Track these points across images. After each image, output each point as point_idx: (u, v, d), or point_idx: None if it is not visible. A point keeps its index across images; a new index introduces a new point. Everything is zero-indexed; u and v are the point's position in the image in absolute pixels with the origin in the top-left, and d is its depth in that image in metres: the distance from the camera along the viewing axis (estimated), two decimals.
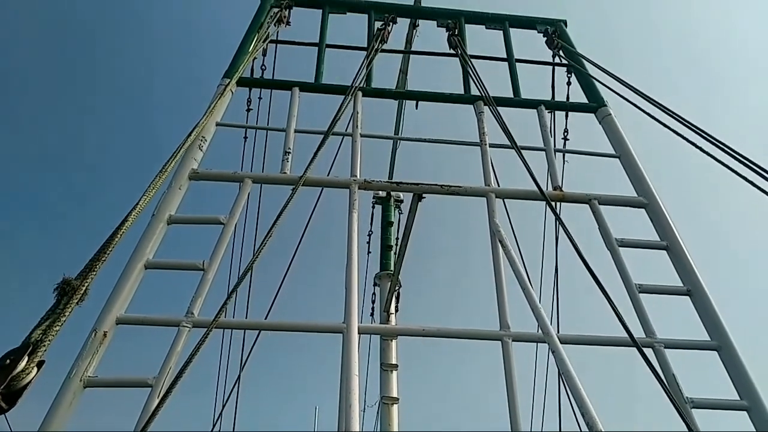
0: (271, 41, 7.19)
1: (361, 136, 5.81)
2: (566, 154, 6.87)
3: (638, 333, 4.37)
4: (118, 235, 3.30)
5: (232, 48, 6.69)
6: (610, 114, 6.44)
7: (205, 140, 5.42)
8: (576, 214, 5.74)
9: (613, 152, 6.10)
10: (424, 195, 5.92)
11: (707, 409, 4.23)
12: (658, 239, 5.29)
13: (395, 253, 10.72)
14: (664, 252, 5.21)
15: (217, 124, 5.73)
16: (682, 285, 4.97)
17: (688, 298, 4.91)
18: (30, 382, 2.42)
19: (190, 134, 5.03)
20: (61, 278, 2.86)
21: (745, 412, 4.23)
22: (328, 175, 6.01)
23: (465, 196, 5.49)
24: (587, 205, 5.45)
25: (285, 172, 5.38)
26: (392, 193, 11.04)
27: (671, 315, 5.65)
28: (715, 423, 4.42)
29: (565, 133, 7.40)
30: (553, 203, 5.32)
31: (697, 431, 3.61)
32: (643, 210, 5.55)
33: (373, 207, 11.79)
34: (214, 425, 7.45)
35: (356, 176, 5.34)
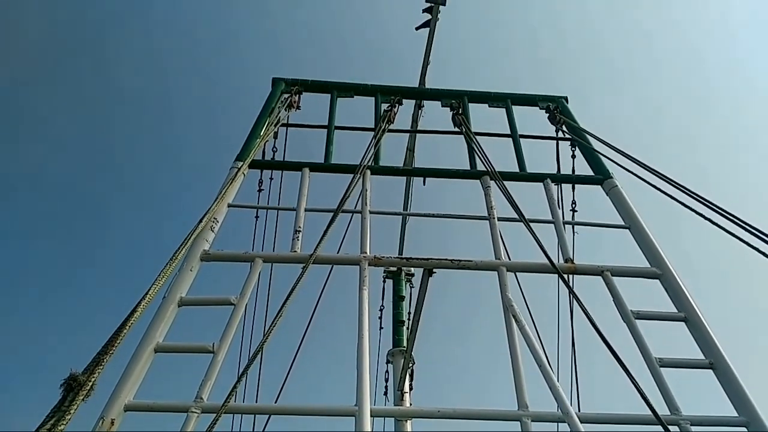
0: (282, 124, 7.43)
1: (371, 213, 5.88)
2: (576, 226, 6.87)
3: (662, 409, 4.20)
4: (128, 325, 3.30)
5: (243, 131, 6.94)
6: (617, 186, 6.50)
7: (217, 222, 5.51)
8: (589, 286, 5.68)
9: (622, 223, 6.11)
10: (434, 270, 5.90)
11: None
12: (675, 310, 5.19)
13: (408, 329, 10.55)
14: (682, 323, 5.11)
15: (229, 206, 5.84)
16: (704, 358, 4.82)
17: (711, 371, 4.76)
18: None
19: (202, 218, 5.12)
20: (68, 373, 2.82)
21: None
22: (338, 253, 6.04)
23: (476, 270, 5.47)
24: (600, 277, 5.41)
25: (295, 251, 5.42)
26: (403, 268, 11.01)
27: (690, 387, 5.46)
28: None
29: (573, 205, 7.43)
30: (565, 276, 5.28)
31: None
32: (657, 281, 5.49)
33: (384, 281, 11.74)
34: None
35: (366, 253, 5.37)
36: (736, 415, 4.39)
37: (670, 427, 3.88)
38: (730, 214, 4.88)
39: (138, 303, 3.51)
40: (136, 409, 3.98)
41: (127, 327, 3.26)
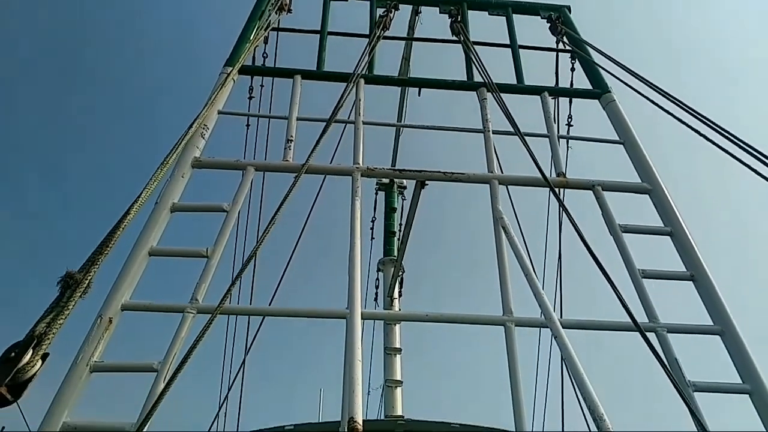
0: (273, 29, 7.15)
1: (364, 123, 5.80)
2: (570, 141, 6.85)
3: (641, 318, 4.38)
4: (121, 227, 3.32)
5: (233, 35, 6.68)
6: (614, 100, 6.41)
7: (207, 128, 5.42)
8: (579, 201, 5.74)
9: (617, 138, 6.08)
10: (426, 182, 5.92)
11: (709, 392, 4.25)
12: (662, 225, 5.28)
13: (398, 239, 10.74)
14: (668, 238, 5.22)
15: (219, 113, 5.73)
16: (685, 270, 4.97)
17: (691, 283, 4.92)
18: (35, 374, 2.46)
19: (192, 123, 5.03)
20: (64, 271, 2.87)
21: (747, 396, 4.26)
22: (330, 163, 6.01)
23: (468, 183, 5.49)
24: (591, 192, 5.45)
25: (287, 160, 5.39)
26: (395, 180, 11.04)
27: (674, 301, 5.66)
28: (719, 406, 4.46)
29: (569, 120, 7.36)
30: (556, 189, 5.32)
31: (699, 414, 3.64)
32: (647, 196, 5.54)
33: (377, 193, 11.80)
34: (219, 409, 7.53)
35: (359, 164, 5.34)
36: (715, 327, 4.59)
37: (648, 334, 4.06)
38: (733, 135, 4.85)
39: (130, 206, 3.52)
40: (133, 309, 4.09)
41: (121, 228, 3.28)
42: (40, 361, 2.50)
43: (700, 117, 5.25)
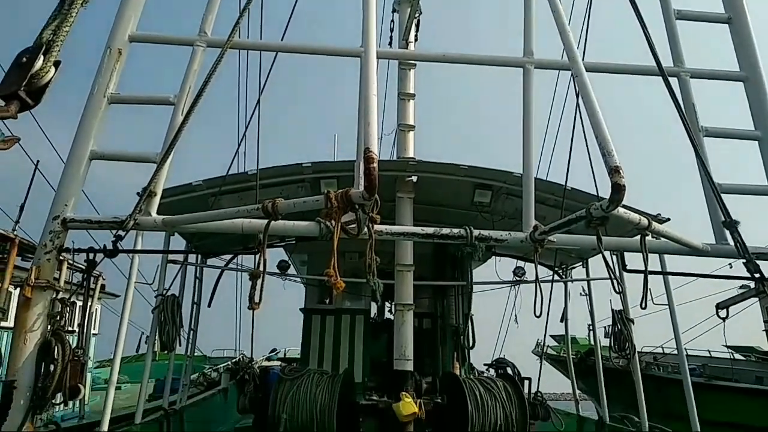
0: None
1: None
2: None
3: (667, 63, 4.22)
4: None
5: None
6: None
7: None
8: None
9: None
10: None
11: (720, 137, 4.32)
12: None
13: None
14: None
15: None
16: (723, 12, 4.62)
17: (727, 27, 4.62)
18: (50, 81, 2.48)
19: None
20: None
21: (756, 143, 4.33)
22: None
23: None
24: None
25: None
26: None
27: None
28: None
29: None
30: None
31: (704, 159, 3.74)
32: None
33: None
34: (238, 147, 7.85)
35: None
36: (741, 73, 4.43)
37: (671, 78, 3.95)
38: None
39: None
40: (141, 40, 3.98)
41: None
42: (53, 68, 2.51)
43: None
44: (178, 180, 7.78)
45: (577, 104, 5.02)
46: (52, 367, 4.51)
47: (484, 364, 9.73)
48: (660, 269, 6.20)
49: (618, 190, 2.98)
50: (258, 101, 7.00)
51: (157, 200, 4.97)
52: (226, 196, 7.54)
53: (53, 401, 4.78)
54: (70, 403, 11.27)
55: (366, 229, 4.11)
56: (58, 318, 4.70)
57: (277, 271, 10.48)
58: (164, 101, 3.95)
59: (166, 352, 8.57)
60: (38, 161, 9.51)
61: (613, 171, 2.96)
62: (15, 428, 4.33)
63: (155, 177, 4.86)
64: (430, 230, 5.09)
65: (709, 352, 18.95)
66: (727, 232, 4.17)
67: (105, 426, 5.99)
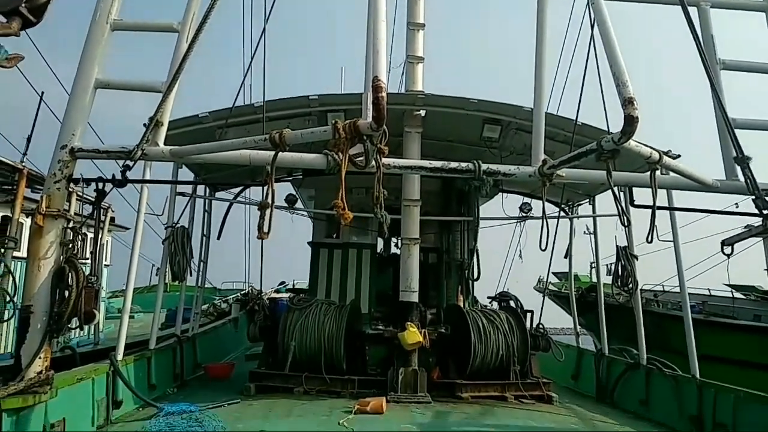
0: None
1: None
2: None
3: None
4: None
5: None
6: None
7: None
8: None
9: None
10: None
11: (737, 71, 4.21)
12: None
13: None
14: None
15: None
16: None
17: None
18: None
19: None
20: None
21: None
22: None
23: None
24: None
25: None
26: None
27: None
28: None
29: None
30: None
31: (719, 87, 3.65)
32: None
33: None
34: (244, 78, 7.72)
35: None
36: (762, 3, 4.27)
37: (690, 8, 3.81)
38: None
39: None
40: None
41: None
42: None
43: None
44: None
45: (592, 35, 4.88)
46: (66, 293, 4.64)
47: (488, 297, 9.93)
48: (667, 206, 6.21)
49: (631, 122, 2.94)
50: (264, 30, 6.83)
51: (164, 130, 4.95)
52: (233, 128, 7.49)
53: (69, 326, 4.95)
54: (86, 330, 11.66)
55: (374, 162, 4.10)
56: (70, 246, 4.79)
57: (285, 204, 10.54)
58: (168, 28, 3.86)
59: (177, 282, 8.77)
60: (43, 92, 9.44)
61: (627, 102, 2.91)
62: (33, 351, 4.50)
63: (161, 106, 4.82)
64: (438, 164, 5.07)
65: (709, 291, 19.17)
66: (738, 169, 4.14)
67: (120, 351, 6.21)
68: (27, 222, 8.63)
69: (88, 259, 6.25)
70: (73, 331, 5.91)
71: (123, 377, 6.02)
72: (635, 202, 4.93)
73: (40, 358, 4.54)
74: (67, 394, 4.89)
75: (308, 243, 11.81)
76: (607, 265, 10.61)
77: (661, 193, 5.45)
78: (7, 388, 4.11)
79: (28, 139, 9.00)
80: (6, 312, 7.22)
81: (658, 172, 4.02)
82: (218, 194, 10.29)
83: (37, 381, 4.45)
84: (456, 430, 5.67)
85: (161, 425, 5.18)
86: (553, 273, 18.54)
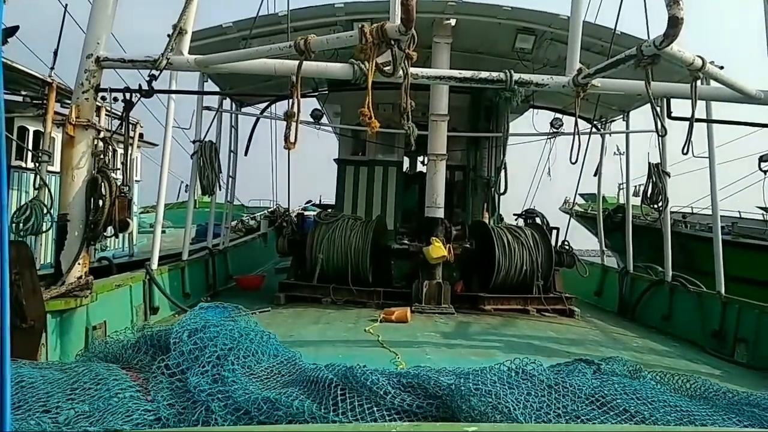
0: None
1: None
2: None
3: None
4: None
5: None
6: None
7: None
8: None
9: None
10: None
11: None
12: None
13: None
14: None
15: None
16: None
17: None
18: None
19: None
20: None
21: None
22: None
23: None
24: None
25: None
26: None
27: None
28: None
29: None
30: None
31: None
32: None
33: None
34: None
35: None
36: None
37: None
38: None
39: None
40: None
41: None
42: None
43: None
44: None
45: None
46: (101, 202, 4.77)
47: (514, 214, 9.91)
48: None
49: (675, 23, 2.77)
50: None
51: (188, 39, 4.87)
52: (257, 39, 7.32)
53: (104, 234, 5.12)
54: (120, 241, 12.07)
55: (401, 70, 3.99)
56: (101, 156, 4.87)
57: (311, 120, 10.46)
58: None
59: (207, 196, 8.92)
60: (67, 4, 9.30)
61: (672, 1, 2.72)
62: (72, 257, 4.69)
63: (184, 12, 4.72)
64: (468, 74, 4.92)
65: (740, 213, 18.79)
66: None
67: (155, 261, 6.43)
68: (59, 137, 8.74)
69: (119, 170, 6.33)
70: (108, 239, 6.11)
71: (159, 285, 6.28)
72: (672, 114, 4.75)
73: (79, 264, 4.74)
74: (106, 299, 5.13)
75: (334, 160, 11.82)
76: (635, 186, 10.44)
77: (700, 106, 5.22)
78: (50, 291, 4.33)
79: (55, 53, 8.94)
80: (44, 224, 7.47)
81: (698, 82, 3.84)
82: (244, 110, 10.24)
83: (77, 285, 4.67)
84: (478, 338, 5.85)
85: (197, 319, 5.42)
86: (580, 194, 18.33)
